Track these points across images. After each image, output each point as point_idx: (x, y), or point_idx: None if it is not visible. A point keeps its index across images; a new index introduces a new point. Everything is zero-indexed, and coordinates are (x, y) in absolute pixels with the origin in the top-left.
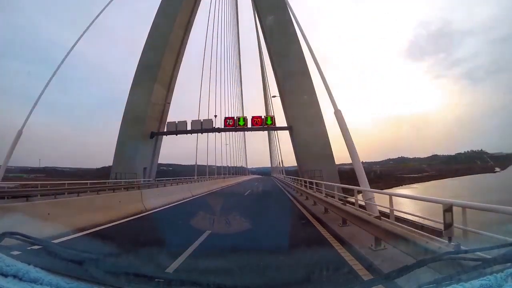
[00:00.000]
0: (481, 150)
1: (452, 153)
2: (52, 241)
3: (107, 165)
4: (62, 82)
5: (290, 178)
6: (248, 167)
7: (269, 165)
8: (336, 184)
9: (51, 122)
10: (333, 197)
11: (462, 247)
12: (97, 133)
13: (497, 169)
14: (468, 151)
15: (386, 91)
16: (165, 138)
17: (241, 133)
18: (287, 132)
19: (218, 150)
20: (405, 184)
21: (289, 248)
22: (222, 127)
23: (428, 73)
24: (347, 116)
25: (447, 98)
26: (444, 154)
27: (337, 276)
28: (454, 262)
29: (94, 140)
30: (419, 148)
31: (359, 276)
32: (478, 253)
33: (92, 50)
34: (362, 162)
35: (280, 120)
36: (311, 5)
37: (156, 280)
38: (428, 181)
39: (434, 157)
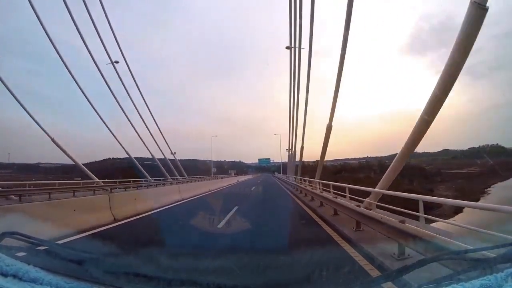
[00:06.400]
0: (497, 144)
1: (465, 147)
2: (57, 242)
3: (93, 160)
4: (40, 72)
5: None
6: (248, 162)
7: (277, 160)
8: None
9: (28, 115)
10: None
11: (462, 247)
12: (81, 126)
13: None
14: (482, 145)
15: (391, 86)
16: None
17: None
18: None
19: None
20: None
21: None
22: None
23: (431, 68)
24: (350, 112)
25: (453, 93)
26: (456, 148)
27: (337, 275)
28: (454, 262)
29: (75, 134)
30: (427, 143)
31: (358, 275)
32: (478, 252)
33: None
34: (368, 157)
35: None
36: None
37: (156, 280)
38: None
39: (445, 152)
